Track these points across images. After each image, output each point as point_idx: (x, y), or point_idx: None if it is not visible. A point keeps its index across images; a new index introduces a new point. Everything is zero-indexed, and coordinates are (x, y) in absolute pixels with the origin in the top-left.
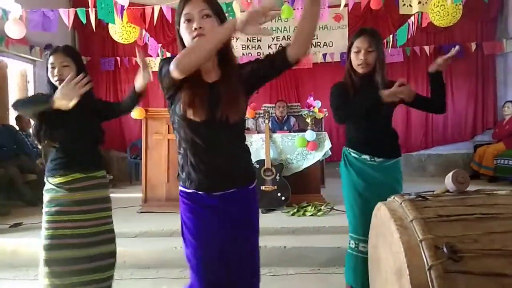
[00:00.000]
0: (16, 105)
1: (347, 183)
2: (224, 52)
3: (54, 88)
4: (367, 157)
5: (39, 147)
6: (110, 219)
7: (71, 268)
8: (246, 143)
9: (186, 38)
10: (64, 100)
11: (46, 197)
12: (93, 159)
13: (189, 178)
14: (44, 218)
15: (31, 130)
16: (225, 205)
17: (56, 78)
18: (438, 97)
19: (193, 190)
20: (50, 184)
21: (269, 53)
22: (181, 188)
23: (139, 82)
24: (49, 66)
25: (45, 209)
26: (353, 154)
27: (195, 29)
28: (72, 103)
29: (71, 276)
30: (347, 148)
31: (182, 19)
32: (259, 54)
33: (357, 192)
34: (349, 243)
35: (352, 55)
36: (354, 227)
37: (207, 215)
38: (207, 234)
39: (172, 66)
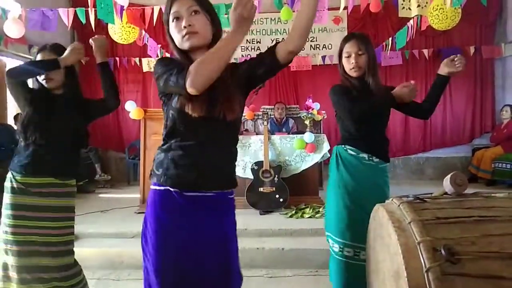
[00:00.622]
0: (14, 70)
1: (335, 184)
2: None
3: (41, 86)
4: (365, 155)
5: (22, 144)
6: (72, 229)
7: (39, 275)
8: (243, 144)
9: (176, 37)
10: (71, 60)
11: (8, 198)
12: (70, 166)
13: (165, 174)
14: (7, 221)
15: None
16: (196, 211)
17: (43, 77)
18: (432, 102)
19: (165, 188)
20: (16, 182)
21: (261, 53)
22: (152, 187)
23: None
24: None
25: (9, 211)
26: (350, 152)
27: (185, 27)
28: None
29: (39, 283)
30: (344, 146)
31: (171, 18)
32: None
33: (347, 194)
34: (332, 247)
35: (344, 60)
36: (339, 231)
37: (175, 219)
38: (174, 238)
39: (188, 85)
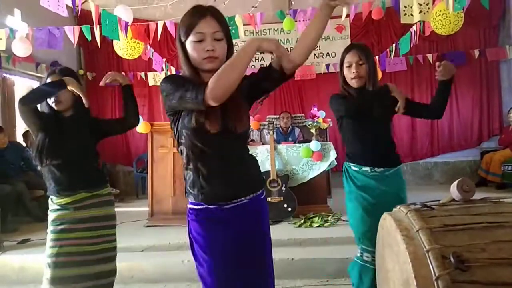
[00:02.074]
0: (26, 98)
1: (350, 198)
2: None
3: (51, 109)
4: (367, 168)
5: (39, 168)
6: (114, 237)
7: (74, 286)
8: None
9: (195, 56)
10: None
11: (51, 216)
12: (96, 177)
13: (202, 193)
14: (49, 236)
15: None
16: (238, 219)
17: (53, 100)
18: (440, 102)
19: (205, 206)
20: (55, 205)
21: (265, 65)
22: (190, 206)
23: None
24: None
25: (50, 227)
26: (353, 168)
27: (208, 50)
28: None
29: None
30: (347, 163)
31: (193, 37)
32: (262, 66)
33: (361, 206)
34: (357, 253)
35: (345, 70)
36: (359, 237)
37: (220, 231)
38: (221, 250)
39: (209, 98)
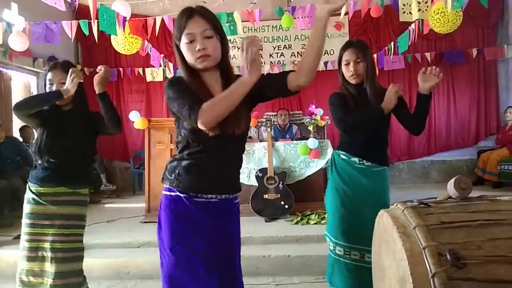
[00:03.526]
0: (21, 105)
1: (331, 188)
2: (224, 67)
3: (53, 103)
4: (356, 159)
5: (39, 162)
6: (82, 237)
7: (46, 280)
8: (247, 151)
9: (188, 56)
10: (72, 89)
11: (26, 208)
12: (82, 175)
13: (177, 179)
14: (24, 229)
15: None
16: (208, 215)
17: None
18: (420, 118)
19: (177, 193)
20: (31, 193)
21: (271, 74)
22: (164, 192)
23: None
24: (47, 82)
25: (25, 219)
26: (342, 156)
27: (199, 50)
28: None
29: None
30: (337, 151)
31: (184, 39)
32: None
33: (339, 197)
34: (328, 244)
35: (343, 68)
36: (333, 230)
37: (189, 223)
38: (185, 241)
39: (200, 123)
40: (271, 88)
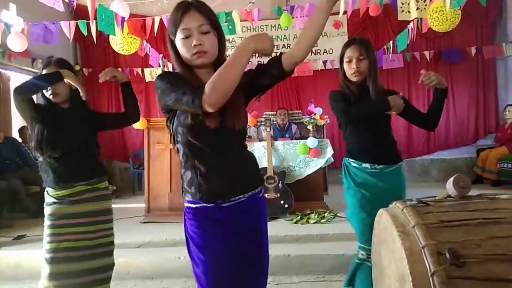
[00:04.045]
0: (20, 88)
1: (349, 194)
2: (220, 65)
3: (47, 100)
4: (367, 165)
5: (40, 159)
6: (111, 231)
7: (72, 281)
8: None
9: (185, 53)
10: (72, 78)
11: (47, 210)
12: (94, 170)
13: (200, 191)
14: (47, 231)
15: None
16: (235, 218)
17: (50, 92)
18: (437, 112)
19: (203, 204)
20: (51, 198)
21: (263, 62)
22: (187, 204)
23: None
24: None
25: (47, 222)
26: (353, 164)
27: (195, 45)
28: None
29: None
30: (347, 158)
31: (180, 34)
32: (259, 62)
33: (359, 203)
34: (359, 253)
35: (345, 65)
36: (358, 235)
37: (217, 230)
38: (217, 250)
39: (206, 105)
40: (267, 75)
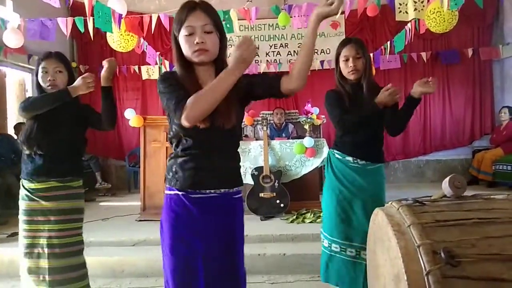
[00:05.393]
0: (28, 105)
1: (327, 186)
2: (220, 64)
3: (43, 92)
4: (350, 158)
5: (26, 152)
6: (80, 231)
7: (46, 277)
8: (243, 150)
9: (186, 50)
10: (81, 90)
11: (22, 204)
12: (72, 168)
13: (175, 177)
14: (21, 226)
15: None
16: (206, 215)
17: (48, 84)
18: (404, 119)
19: (176, 192)
20: (25, 189)
21: (267, 74)
22: (166, 191)
23: (102, 76)
24: (41, 70)
25: (21, 216)
26: (336, 156)
27: (197, 43)
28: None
29: (48, 286)
30: (332, 150)
31: (184, 31)
32: (256, 61)
33: (335, 196)
34: (322, 241)
35: (341, 64)
36: (329, 228)
37: (187, 226)
38: (184, 247)
39: (183, 119)
40: (263, 87)
